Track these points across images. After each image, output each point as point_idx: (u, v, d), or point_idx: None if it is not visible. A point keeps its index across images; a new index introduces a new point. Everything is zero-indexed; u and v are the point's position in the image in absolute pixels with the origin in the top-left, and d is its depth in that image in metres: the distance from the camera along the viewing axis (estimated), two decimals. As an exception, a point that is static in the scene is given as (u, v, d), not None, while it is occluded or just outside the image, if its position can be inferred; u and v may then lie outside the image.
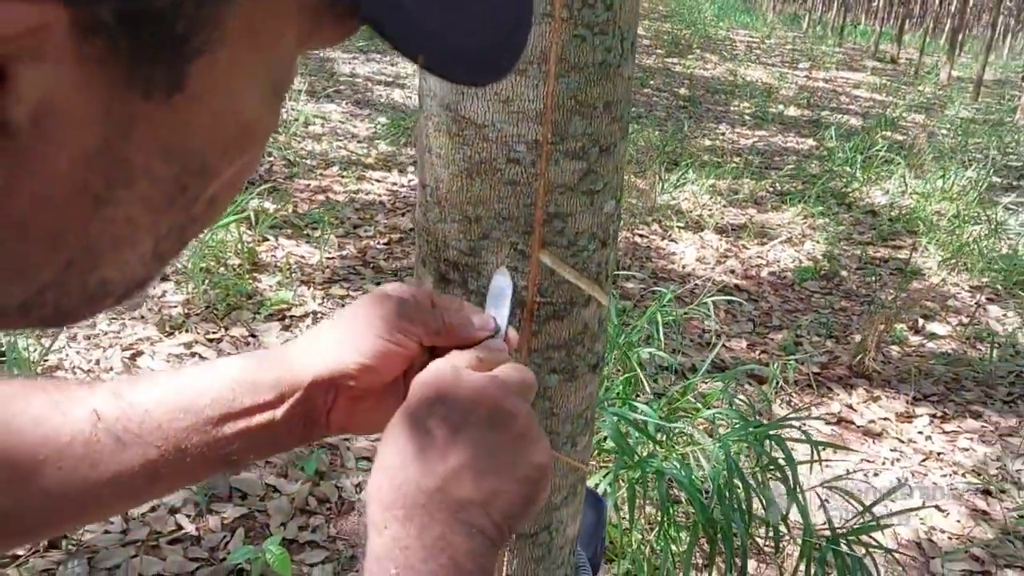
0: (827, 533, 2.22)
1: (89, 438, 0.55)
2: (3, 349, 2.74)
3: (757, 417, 3.09)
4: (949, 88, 15.88)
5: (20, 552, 2.11)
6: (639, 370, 2.82)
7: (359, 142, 6.25)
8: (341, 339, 0.58)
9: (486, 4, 0.35)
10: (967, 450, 3.48)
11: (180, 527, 2.32)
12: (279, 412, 0.58)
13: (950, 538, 2.90)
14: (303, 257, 4.11)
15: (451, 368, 0.54)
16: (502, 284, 0.62)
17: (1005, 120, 12.62)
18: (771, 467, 2.11)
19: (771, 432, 2.10)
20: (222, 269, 3.74)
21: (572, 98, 0.76)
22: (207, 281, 3.53)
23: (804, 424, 3.44)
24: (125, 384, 0.59)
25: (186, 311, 3.37)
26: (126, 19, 0.24)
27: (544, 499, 0.55)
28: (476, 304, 0.62)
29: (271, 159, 5.36)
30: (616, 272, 4.67)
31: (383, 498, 0.51)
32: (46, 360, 2.87)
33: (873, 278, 5.26)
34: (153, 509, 2.35)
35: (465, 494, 0.50)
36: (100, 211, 0.28)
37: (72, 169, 0.26)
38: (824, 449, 3.32)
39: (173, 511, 2.37)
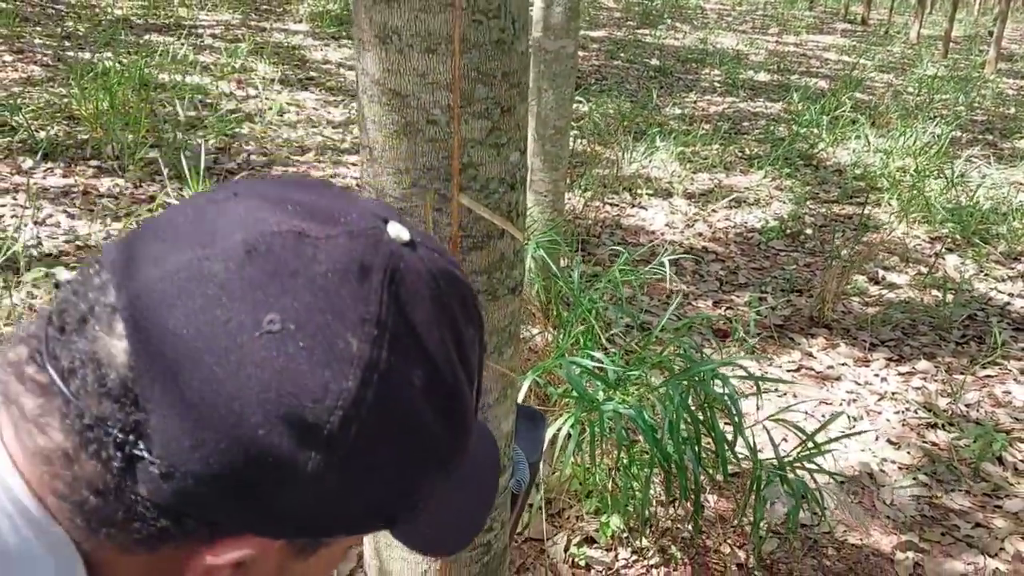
0: (775, 463, 2.42)
1: None
2: None
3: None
4: (919, 47, 16.07)
5: None
6: (598, 323, 3.01)
7: (334, 128, 6.39)
8: None
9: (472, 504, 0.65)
10: (920, 388, 3.70)
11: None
12: None
13: (899, 468, 3.12)
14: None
15: None
16: None
17: (973, 75, 12.82)
18: (713, 402, 2.31)
19: (715, 370, 2.30)
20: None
21: (475, 70, 0.95)
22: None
23: (762, 369, 3.65)
24: None
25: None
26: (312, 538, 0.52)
27: None
28: None
29: (248, 148, 5.51)
30: (585, 239, 4.86)
31: None
32: None
33: (836, 234, 5.46)
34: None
35: None
36: None
37: None
38: (776, 389, 3.52)
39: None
